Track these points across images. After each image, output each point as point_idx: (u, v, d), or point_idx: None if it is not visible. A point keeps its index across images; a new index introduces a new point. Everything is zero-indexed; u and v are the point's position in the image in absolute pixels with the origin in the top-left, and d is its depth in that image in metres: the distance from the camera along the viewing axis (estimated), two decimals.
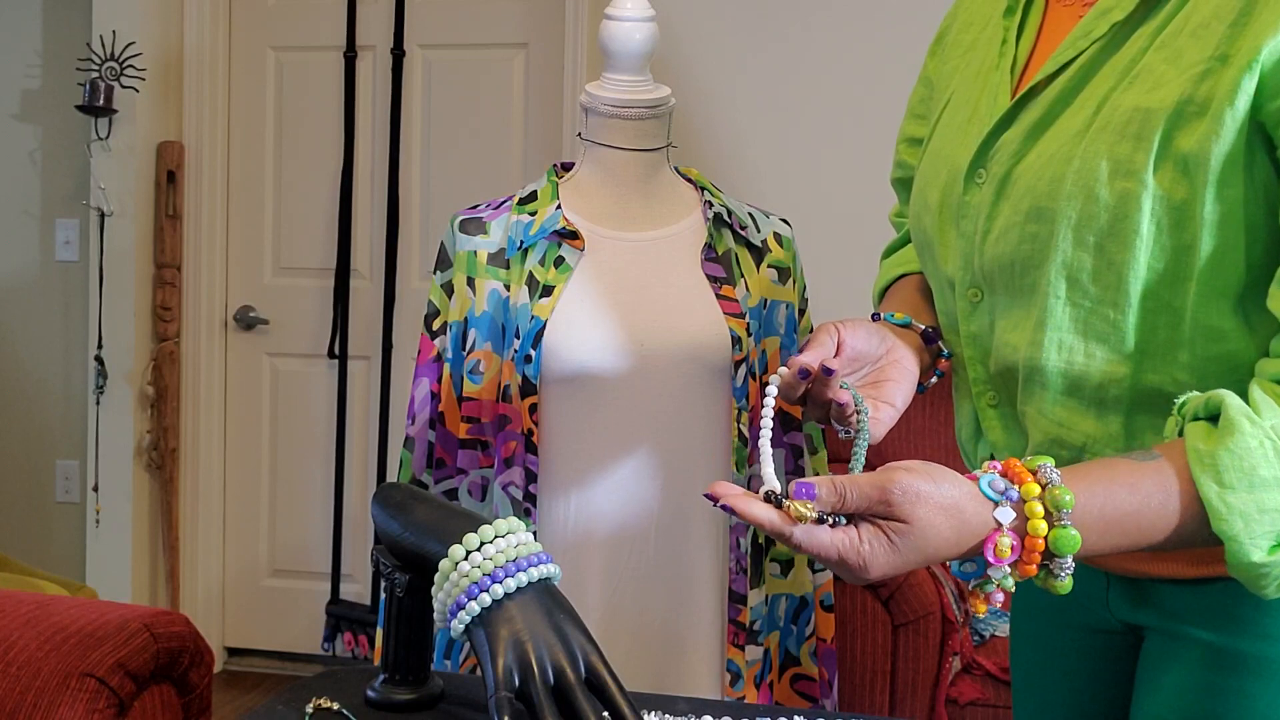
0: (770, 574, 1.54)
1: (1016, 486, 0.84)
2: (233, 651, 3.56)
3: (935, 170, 1.10)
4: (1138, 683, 1.06)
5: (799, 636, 1.56)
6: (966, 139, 1.06)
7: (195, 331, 3.42)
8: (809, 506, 0.82)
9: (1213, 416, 0.87)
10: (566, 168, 1.58)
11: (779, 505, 0.83)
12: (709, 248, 1.50)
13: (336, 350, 3.40)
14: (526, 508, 1.44)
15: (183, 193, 3.38)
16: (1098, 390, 0.97)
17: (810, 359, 0.99)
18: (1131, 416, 0.97)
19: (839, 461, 1.82)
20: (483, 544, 0.93)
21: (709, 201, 1.53)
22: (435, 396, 1.51)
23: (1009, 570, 0.84)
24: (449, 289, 1.51)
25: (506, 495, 1.46)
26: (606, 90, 1.51)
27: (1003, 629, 2.48)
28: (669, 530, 1.47)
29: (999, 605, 0.87)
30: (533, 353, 1.43)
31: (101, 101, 3.18)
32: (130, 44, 3.20)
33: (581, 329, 1.44)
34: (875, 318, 1.13)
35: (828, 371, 0.98)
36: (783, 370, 1.00)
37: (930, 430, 2.80)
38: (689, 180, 1.58)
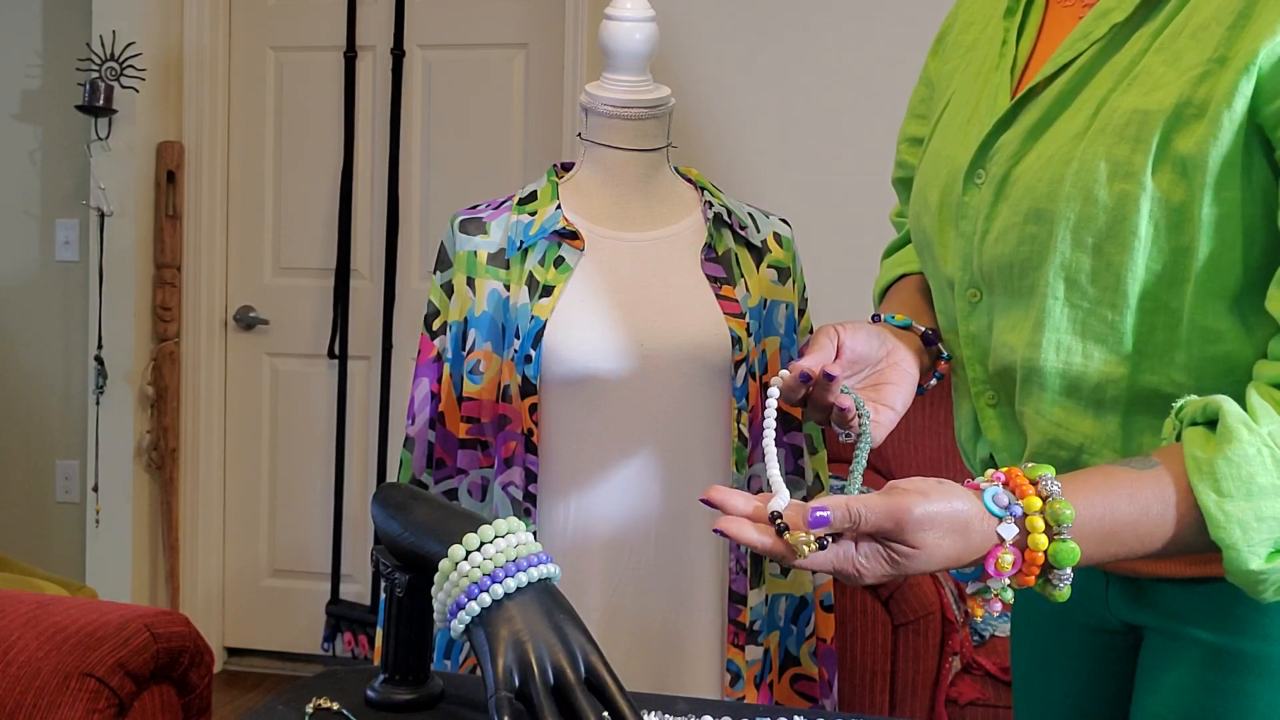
0: (770, 574, 1.54)
1: (1019, 500, 0.84)
2: (233, 651, 3.56)
3: (935, 170, 1.10)
4: (1138, 682, 1.06)
5: (799, 636, 1.56)
6: (966, 139, 1.06)
7: (195, 331, 3.42)
8: (810, 539, 0.82)
9: (1210, 422, 0.87)
10: (566, 168, 1.58)
11: (780, 533, 0.84)
12: (709, 248, 1.50)
13: (336, 350, 3.40)
14: (526, 508, 1.44)
15: (183, 193, 3.38)
16: (1095, 391, 0.98)
17: (811, 363, 0.99)
18: (1129, 417, 0.97)
19: (839, 461, 1.82)
20: (483, 544, 0.93)
21: (709, 201, 1.53)
22: (435, 396, 1.51)
23: (1009, 582, 0.85)
24: (449, 289, 1.51)
25: (506, 495, 1.46)
26: (606, 90, 1.51)
27: (1003, 629, 2.48)
28: (669, 530, 1.47)
29: (997, 613, 0.87)
30: (533, 353, 1.43)
31: (101, 101, 3.18)
32: (130, 44, 3.20)
33: (581, 329, 1.44)
34: (875, 319, 1.13)
35: (829, 377, 0.98)
36: (784, 374, 1.00)
37: (930, 430, 2.80)
38: (689, 180, 1.58)
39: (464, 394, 1.49)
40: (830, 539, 0.83)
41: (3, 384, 3.47)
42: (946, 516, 0.82)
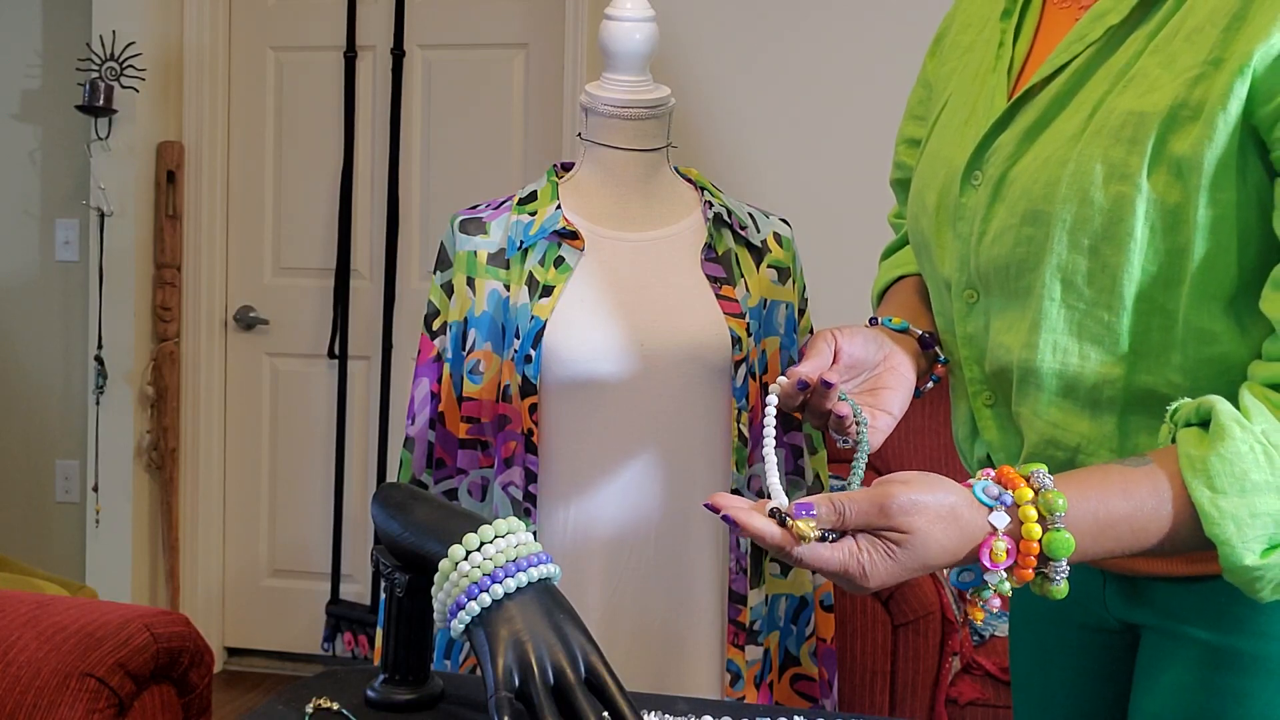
0: (770, 574, 1.54)
1: (1010, 491, 0.84)
2: (233, 651, 3.56)
3: (933, 172, 1.11)
4: (1135, 681, 1.06)
5: (799, 636, 1.56)
6: (963, 141, 1.06)
7: (195, 331, 3.42)
8: (811, 525, 0.83)
9: (1204, 422, 0.88)
10: (566, 168, 1.58)
11: (783, 523, 0.84)
12: (709, 248, 1.50)
13: (336, 350, 3.41)
14: (526, 508, 1.44)
15: (183, 193, 3.38)
16: (1092, 391, 0.98)
17: (809, 370, 0.99)
18: (1125, 417, 0.98)
19: (838, 462, 1.82)
20: (483, 544, 0.93)
21: (709, 201, 1.53)
22: (435, 396, 1.51)
23: (1005, 575, 0.85)
24: (449, 289, 1.51)
25: (506, 495, 1.46)
26: (606, 90, 1.51)
27: (1002, 629, 2.48)
28: (669, 530, 1.47)
29: (996, 610, 0.87)
30: (532, 353, 1.43)
31: (101, 101, 3.18)
32: (130, 44, 3.20)
33: (581, 329, 1.44)
34: (873, 322, 1.13)
35: (826, 384, 0.99)
36: (781, 380, 1.01)
37: (930, 430, 2.80)
38: (689, 180, 1.58)
39: (464, 394, 1.49)
40: (831, 536, 0.84)
41: (3, 384, 3.47)
42: (932, 504, 0.82)
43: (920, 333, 1.12)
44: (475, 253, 1.49)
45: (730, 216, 1.52)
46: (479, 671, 0.92)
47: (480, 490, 1.51)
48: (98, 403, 3.29)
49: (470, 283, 1.49)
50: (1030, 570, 0.85)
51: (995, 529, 0.84)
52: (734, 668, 1.48)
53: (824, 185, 3.05)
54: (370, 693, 1.01)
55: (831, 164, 3.06)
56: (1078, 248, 0.95)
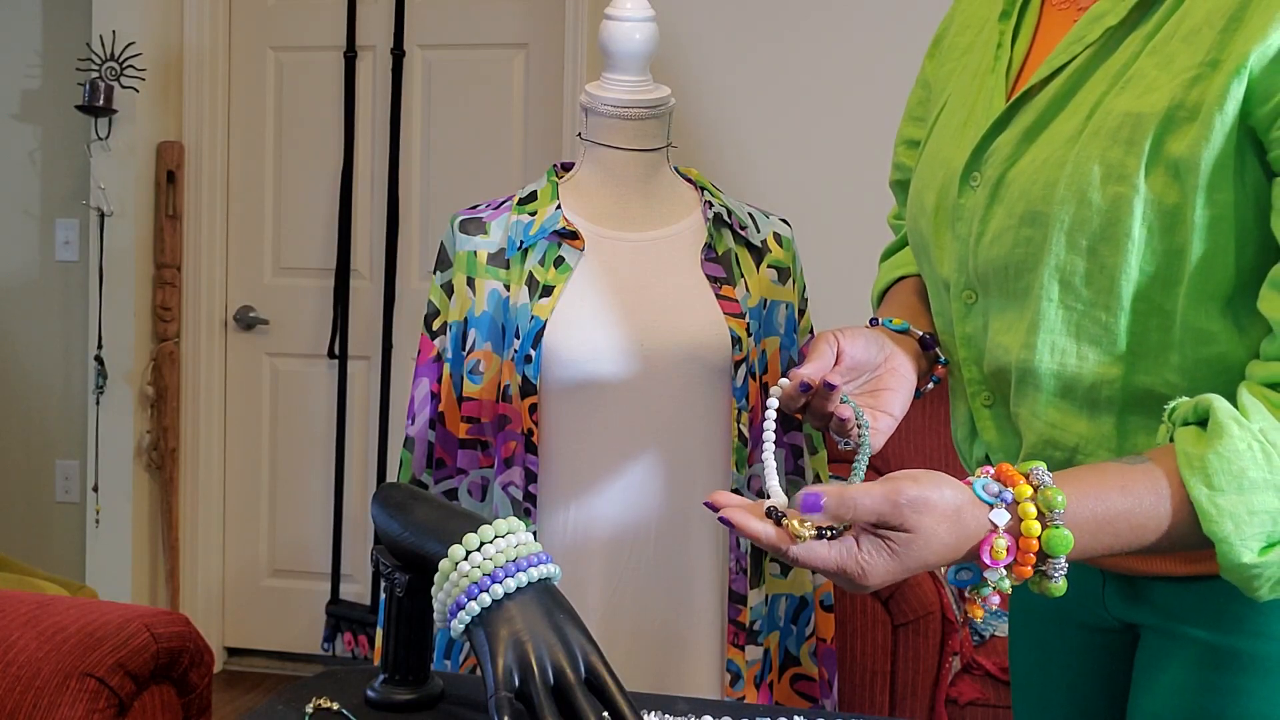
0: (770, 574, 1.54)
1: (1010, 489, 0.84)
2: (233, 651, 3.56)
3: (931, 173, 1.11)
4: (1135, 681, 1.06)
5: (799, 636, 1.56)
6: (962, 142, 1.07)
7: (195, 331, 3.42)
8: (807, 524, 0.82)
9: (1202, 421, 0.88)
10: (566, 168, 1.58)
11: (778, 522, 0.84)
12: (709, 248, 1.50)
13: (336, 350, 3.41)
14: (526, 508, 1.44)
15: (183, 193, 3.38)
16: (1090, 392, 0.98)
17: (811, 372, 0.99)
18: (1123, 418, 0.98)
19: (838, 462, 1.82)
20: (483, 544, 0.93)
21: (709, 201, 1.53)
22: (435, 396, 1.51)
23: (1004, 572, 0.85)
24: (449, 289, 1.51)
25: (506, 495, 1.46)
26: (606, 90, 1.51)
27: (1003, 629, 2.48)
28: (669, 530, 1.47)
29: (995, 607, 0.87)
30: (533, 353, 1.43)
31: (101, 101, 3.18)
32: (130, 44, 3.20)
33: (581, 329, 1.44)
34: (873, 322, 1.13)
35: (829, 386, 0.98)
36: (783, 382, 1.01)
37: (930, 430, 2.80)
38: (689, 180, 1.58)
39: (464, 394, 1.49)
40: (830, 533, 0.83)
41: (3, 384, 3.47)
42: (939, 503, 0.82)
43: (921, 334, 1.13)
44: (475, 253, 1.49)
45: (730, 216, 1.52)
46: (479, 671, 0.92)
47: (480, 490, 1.51)
48: (98, 403, 3.29)
49: (470, 283, 1.49)
50: (1029, 567, 0.85)
51: (996, 526, 0.84)
52: (734, 668, 1.48)
53: (824, 186, 3.05)
54: (370, 693, 1.01)
55: (831, 164, 3.06)
56: (1075, 248, 0.95)
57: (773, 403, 0.99)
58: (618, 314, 1.46)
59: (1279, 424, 0.86)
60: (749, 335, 1.47)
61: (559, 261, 1.47)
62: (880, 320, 1.13)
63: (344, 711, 0.99)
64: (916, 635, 2.32)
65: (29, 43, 3.41)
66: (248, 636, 3.54)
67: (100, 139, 3.24)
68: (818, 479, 1.57)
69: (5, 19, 3.41)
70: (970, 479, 0.86)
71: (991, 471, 0.86)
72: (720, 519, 0.85)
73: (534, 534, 1.45)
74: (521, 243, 1.48)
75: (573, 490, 1.46)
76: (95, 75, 3.19)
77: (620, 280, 1.48)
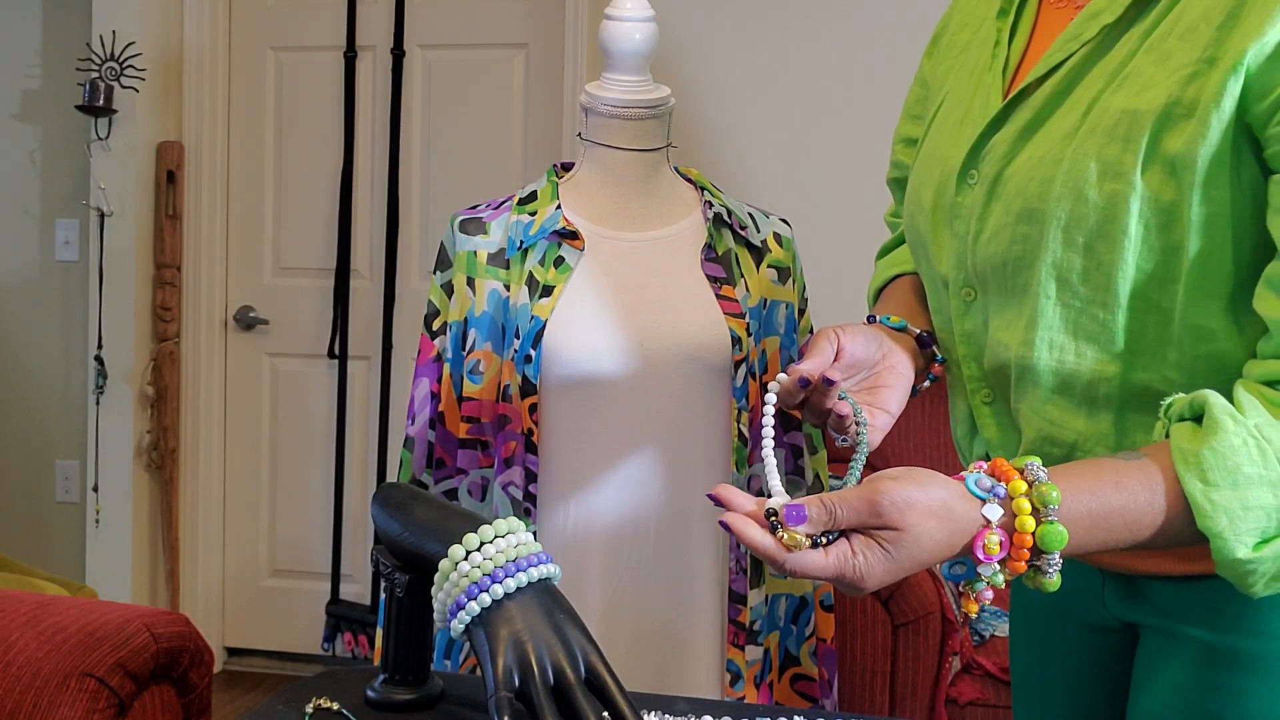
0: (770, 574, 1.54)
1: (1003, 484, 0.85)
2: (233, 651, 3.56)
3: (929, 170, 1.11)
4: (1134, 680, 1.06)
5: (799, 636, 1.56)
6: (959, 140, 1.07)
7: (195, 331, 3.42)
8: (801, 533, 0.82)
9: (1197, 417, 0.88)
10: (566, 168, 1.58)
11: (774, 530, 0.84)
12: (709, 248, 1.50)
13: (336, 350, 3.41)
14: (526, 508, 1.44)
15: (183, 193, 3.38)
16: (1088, 389, 0.98)
17: (811, 368, 0.99)
18: (1122, 415, 0.98)
19: (838, 462, 1.82)
20: (483, 544, 0.93)
21: (709, 201, 1.53)
22: (435, 396, 1.51)
23: (998, 568, 0.85)
24: (449, 289, 1.51)
25: (506, 495, 1.46)
26: (606, 90, 1.51)
27: (1003, 629, 2.48)
28: (669, 530, 1.47)
29: (989, 603, 0.87)
30: (532, 353, 1.43)
31: (101, 101, 3.18)
32: (130, 44, 3.20)
33: (581, 329, 1.44)
34: (871, 319, 1.13)
35: (828, 382, 0.99)
36: (782, 377, 1.01)
37: (928, 429, 2.80)
38: (689, 180, 1.58)
39: (464, 394, 1.49)
40: (824, 540, 0.83)
41: (3, 384, 3.47)
42: (923, 500, 0.82)
43: (918, 331, 1.13)
44: (475, 253, 1.49)
45: (730, 216, 1.52)
46: (479, 671, 0.92)
47: (480, 490, 1.51)
48: (98, 403, 3.29)
49: (470, 283, 1.49)
50: (1023, 563, 0.85)
51: (989, 522, 0.84)
52: (734, 668, 1.48)
53: (823, 185, 3.05)
54: (370, 693, 1.01)
55: (831, 164, 3.06)
56: (1073, 246, 0.95)
57: (770, 398, 0.99)
58: (618, 314, 1.46)
59: (1274, 420, 0.86)
60: (749, 335, 1.47)
61: (559, 261, 1.47)
62: (878, 317, 1.13)
63: (344, 711, 0.99)
64: (916, 635, 2.32)
65: (29, 43, 3.41)
66: (248, 636, 3.54)
67: (100, 139, 3.24)
68: (818, 479, 1.57)
69: (5, 19, 3.41)
70: (964, 473, 0.86)
71: (985, 466, 0.87)
72: (720, 522, 0.85)
73: (534, 534, 1.45)
74: (521, 243, 1.48)
75: (573, 490, 1.46)
76: (95, 75, 3.19)
77: (620, 280, 1.48)
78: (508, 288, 1.47)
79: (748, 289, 1.50)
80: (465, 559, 0.92)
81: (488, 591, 0.90)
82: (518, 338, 1.44)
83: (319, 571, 3.47)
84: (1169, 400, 0.91)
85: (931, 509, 0.83)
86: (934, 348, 1.13)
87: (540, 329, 1.43)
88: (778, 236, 1.56)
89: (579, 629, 0.91)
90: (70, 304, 3.41)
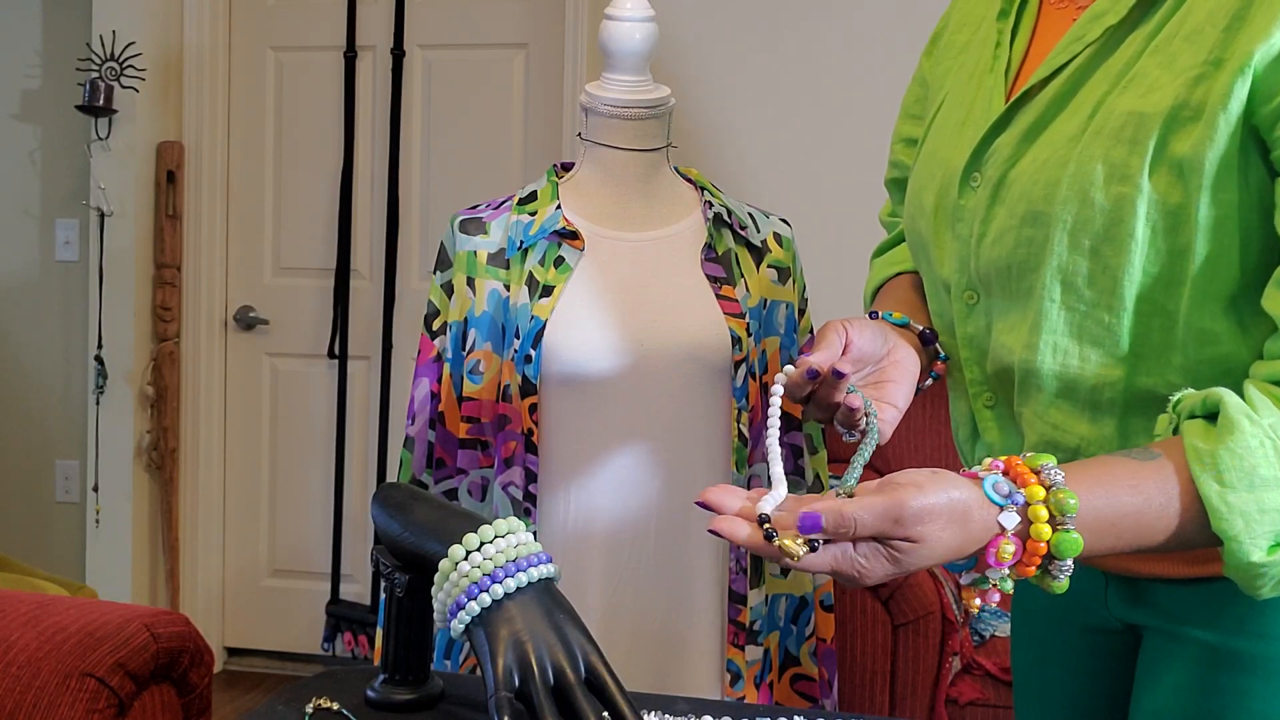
0: (770, 574, 1.54)
1: (1021, 490, 0.83)
2: (233, 651, 3.56)
3: (930, 173, 1.10)
4: (1137, 681, 1.06)
5: (799, 636, 1.56)
6: (961, 142, 1.06)
7: (195, 331, 3.42)
8: (799, 540, 0.80)
9: (1210, 415, 0.87)
10: (566, 168, 1.58)
11: (769, 538, 0.81)
12: (709, 248, 1.50)
13: (336, 350, 3.41)
14: (526, 508, 1.44)
15: (183, 193, 3.38)
16: (1092, 393, 0.98)
17: (820, 360, 0.98)
18: (1125, 419, 0.97)
19: (838, 461, 1.82)
20: (483, 544, 0.93)
21: (709, 201, 1.53)
22: (435, 396, 1.51)
23: (1008, 572, 0.84)
24: (449, 289, 1.51)
25: (506, 495, 1.46)
26: (606, 90, 1.51)
27: (1003, 629, 2.48)
28: (669, 530, 1.47)
29: (994, 604, 0.86)
30: (533, 353, 1.43)
31: (101, 101, 3.18)
32: (130, 44, 3.20)
33: (581, 329, 1.44)
34: (873, 316, 1.12)
35: (838, 374, 0.97)
36: (789, 369, 0.99)
37: (929, 430, 2.80)
38: (689, 180, 1.58)
39: (464, 394, 1.49)
40: (823, 541, 0.81)
41: (3, 384, 3.47)
42: (944, 507, 0.80)
43: (921, 328, 1.12)
44: (475, 253, 1.49)
45: (730, 216, 1.52)
46: (479, 671, 0.92)
47: (480, 490, 1.51)
48: (98, 403, 3.29)
49: (470, 283, 1.49)
50: (1034, 568, 0.84)
51: (1004, 529, 0.81)
52: (734, 668, 1.48)
53: (823, 185, 3.05)
54: (370, 693, 1.01)
55: (831, 164, 3.06)
56: (1078, 249, 0.95)
57: (777, 389, 0.98)
58: (618, 314, 1.46)
59: None
60: (749, 335, 1.47)
61: (559, 261, 1.47)
62: (880, 314, 1.12)
63: (344, 711, 0.99)
64: (916, 635, 2.32)
65: (29, 43, 3.41)
66: (248, 636, 3.54)
67: (100, 139, 3.24)
68: (818, 479, 1.57)
69: (5, 19, 3.41)
70: (979, 473, 0.84)
71: (1001, 467, 0.84)
72: (710, 530, 0.83)
73: (534, 534, 1.45)
74: (521, 243, 1.48)
75: (573, 490, 1.46)
76: (95, 75, 3.19)
77: (620, 280, 1.48)
78: (508, 288, 1.47)
79: (748, 289, 1.50)
80: (465, 559, 0.92)
81: (488, 591, 0.90)
82: (518, 338, 1.44)
83: (319, 571, 3.47)
84: (1178, 395, 0.89)
85: (951, 516, 0.80)
86: (936, 345, 1.13)
87: (540, 329, 1.43)
88: (778, 236, 1.56)
89: (579, 629, 0.91)
90: (70, 304, 3.41)
